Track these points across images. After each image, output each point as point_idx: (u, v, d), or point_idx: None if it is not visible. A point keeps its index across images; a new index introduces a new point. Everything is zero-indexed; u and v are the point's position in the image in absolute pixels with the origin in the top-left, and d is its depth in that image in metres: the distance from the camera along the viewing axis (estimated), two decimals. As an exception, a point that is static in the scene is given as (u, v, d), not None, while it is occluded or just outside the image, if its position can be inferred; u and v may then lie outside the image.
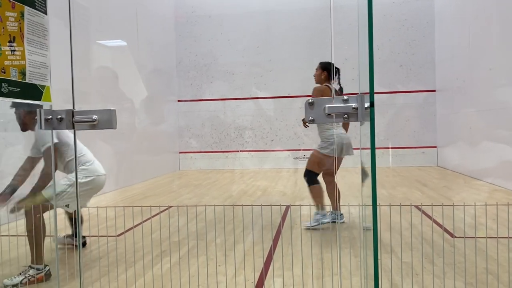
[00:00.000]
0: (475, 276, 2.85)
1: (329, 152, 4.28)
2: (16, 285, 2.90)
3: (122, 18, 8.23)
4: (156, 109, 9.94)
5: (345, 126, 4.59)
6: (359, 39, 1.60)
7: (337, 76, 4.56)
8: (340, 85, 4.58)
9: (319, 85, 4.38)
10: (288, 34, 10.32)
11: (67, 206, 3.19)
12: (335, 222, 4.39)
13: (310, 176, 4.33)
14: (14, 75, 1.83)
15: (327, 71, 4.38)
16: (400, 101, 10.12)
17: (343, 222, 4.44)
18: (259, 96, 10.60)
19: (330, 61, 4.51)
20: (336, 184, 4.48)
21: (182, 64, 10.81)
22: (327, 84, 4.35)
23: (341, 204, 4.75)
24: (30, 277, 2.95)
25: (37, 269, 2.98)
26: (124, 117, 8.01)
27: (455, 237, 3.77)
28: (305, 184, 4.35)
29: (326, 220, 4.30)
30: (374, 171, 1.57)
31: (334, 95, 4.00)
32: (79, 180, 3.24)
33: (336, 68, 4.61)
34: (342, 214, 4.53)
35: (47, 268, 3.05)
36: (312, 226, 4.25)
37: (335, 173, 4.42)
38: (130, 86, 8.44)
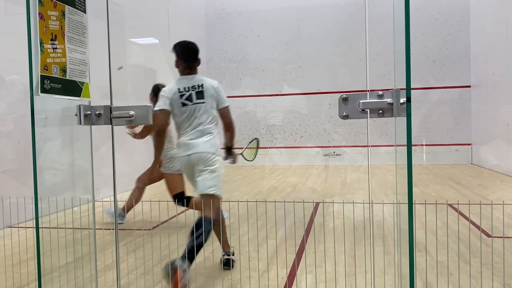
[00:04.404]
0: (513, 277, 2.78)
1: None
2: None
3: (153, 16, 8.36)
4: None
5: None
6: (394, 34, 1.58)
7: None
8: None
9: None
10: (318, 29, 10.24)
11: None
12: None
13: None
14: (55, 72, 1.90)
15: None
16: (434, 97, 9.88)
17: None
18: (289, 93, 10.57)
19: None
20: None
21: (213, 61, 10.89)
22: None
23: (374, 201, 4.66)
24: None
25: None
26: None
27: (492, 237, 3.67)
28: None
29: None
30: (410, 168, 1.54)
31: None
32: None
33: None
34: None
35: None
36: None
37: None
38: (162, 82, 8.57)
